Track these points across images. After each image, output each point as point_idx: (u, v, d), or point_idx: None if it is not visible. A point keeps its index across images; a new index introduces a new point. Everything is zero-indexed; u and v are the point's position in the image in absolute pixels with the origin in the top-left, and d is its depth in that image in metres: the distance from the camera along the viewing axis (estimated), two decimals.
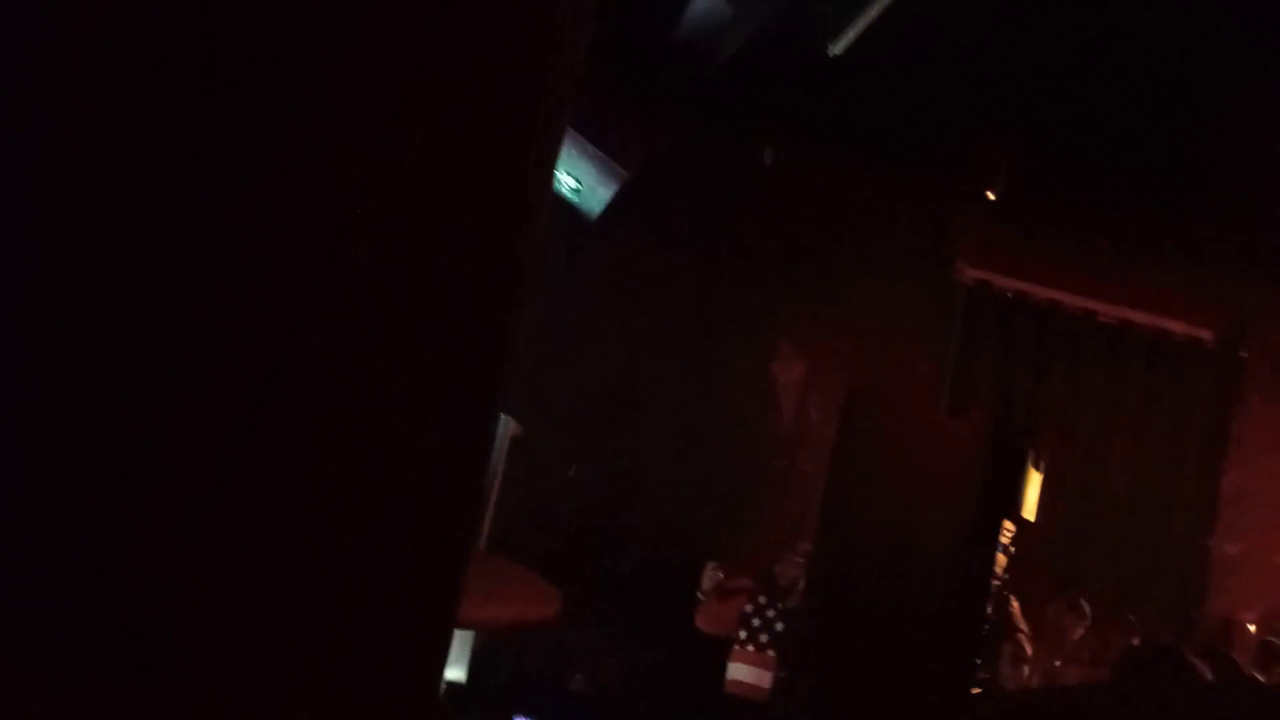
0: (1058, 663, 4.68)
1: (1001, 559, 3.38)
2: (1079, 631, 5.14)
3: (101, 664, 1.03)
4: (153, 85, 1.23)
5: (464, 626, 2.32)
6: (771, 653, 4.71)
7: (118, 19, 1.19)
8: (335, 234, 1.29)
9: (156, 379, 1.21)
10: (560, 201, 6.08)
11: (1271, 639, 5.31)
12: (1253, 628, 5.51)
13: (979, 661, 3.32)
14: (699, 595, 5.19)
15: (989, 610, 3.35)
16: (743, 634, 4.86)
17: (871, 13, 5.08)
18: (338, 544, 1.40)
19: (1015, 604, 4.22)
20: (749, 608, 4.88)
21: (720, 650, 4.95)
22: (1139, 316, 6.43)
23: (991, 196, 6.27)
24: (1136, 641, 5.09)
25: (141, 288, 1.20)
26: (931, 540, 3.33)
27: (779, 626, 4.80)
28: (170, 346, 1.20)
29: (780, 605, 4.84)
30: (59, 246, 1.18)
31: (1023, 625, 4.62)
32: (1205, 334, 6.48)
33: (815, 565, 3.62)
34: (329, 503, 1.40)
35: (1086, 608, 5.17)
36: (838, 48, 5.38)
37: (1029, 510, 3.51)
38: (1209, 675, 3.43)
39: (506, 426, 5.96)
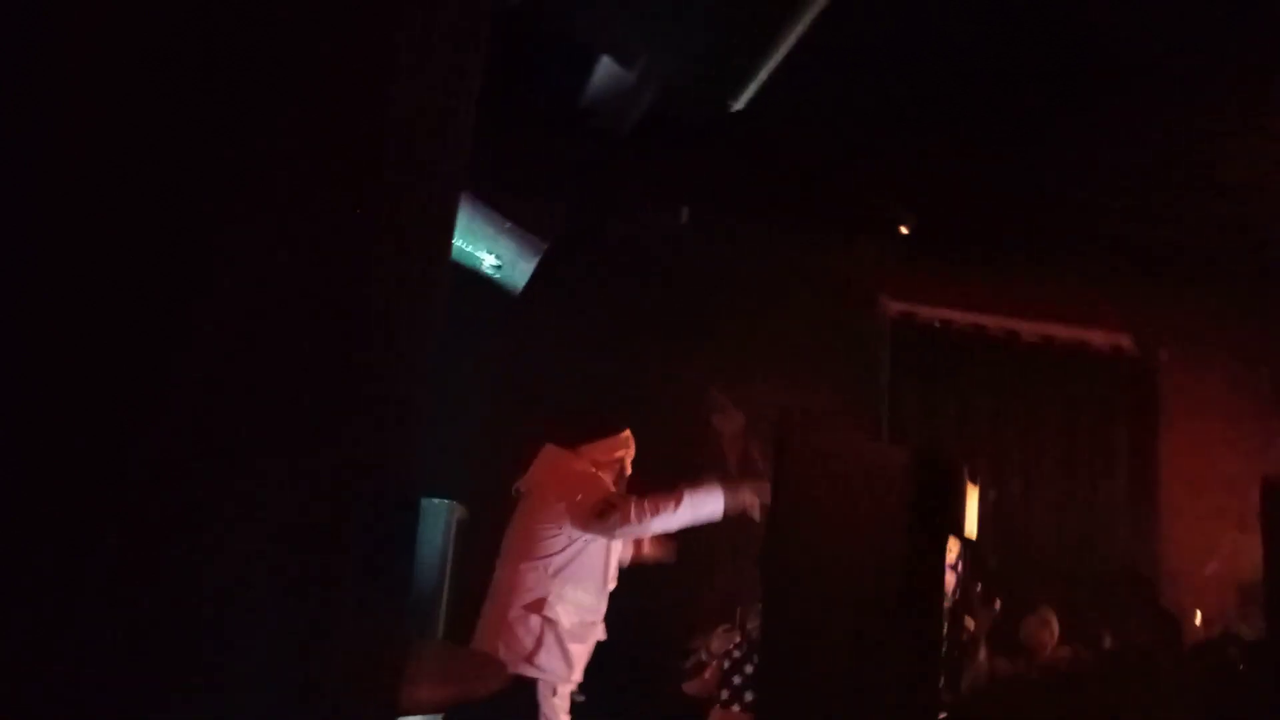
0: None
1: (950, 578, 3.40)
2: (1051, 646, 5.17)
3: None
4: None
5: (409, 711, 2.27)
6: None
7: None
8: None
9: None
10: (485, 280, 6.10)
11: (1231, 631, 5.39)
12: (1198, 623, 5.59)
13: (942, 683, 3.32)
14: (698, 659, 5.14)
15: (945, 630, 3.35)
16: (724, 694, 4.85)
17: (769, 65, 5.23)
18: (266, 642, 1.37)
19: (970, 622, 4.25)
20: (727, 665, 4.90)
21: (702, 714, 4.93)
22: (1059, 330, 6.62)
23: (904, 230, 6.44)
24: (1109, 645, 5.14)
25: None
26: (876, 566, 3.34)
27: None
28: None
29: (758, 661, 4.82)
30: None
31: (982, 643, 4.65)
32: (1124, 340, 6.68)
33: (767, 606, 3.60)
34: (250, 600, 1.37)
35: (1055, 623, 5.22)
36: (739, 102, 5.52)
37: (970, 527, 3.54)
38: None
39: (452, 511, 5.89)
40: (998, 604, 4.70)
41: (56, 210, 1.15)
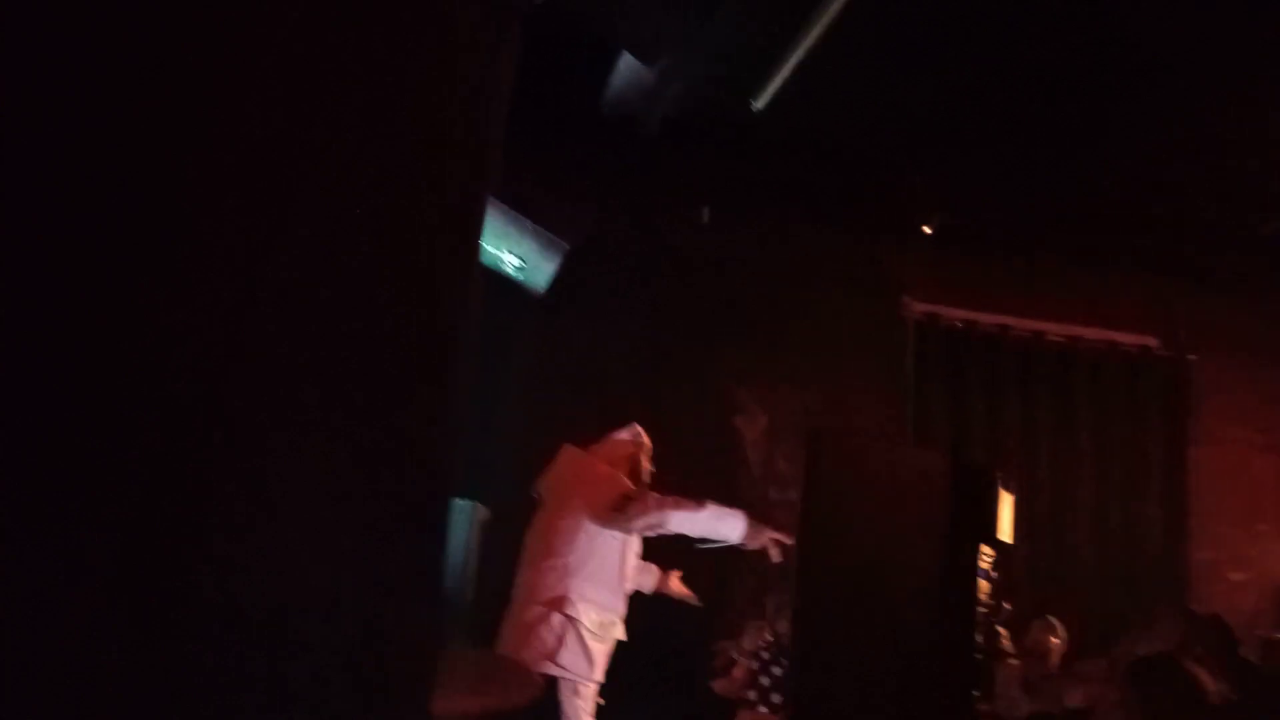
0: (1063, 685, 4.65)
1: (984, 584, 3.35)
2: (1059, 652, 5.14)
3: None
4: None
5: None
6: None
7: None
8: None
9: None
10: (507, 281, 6.08)
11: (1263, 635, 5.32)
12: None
13: (976, 693, 3.27)
14: (726, 658, 5.12)
15: (979, 638, 3.31)
16: (752, 694, 4.85)
17: (790, 64, 5.19)
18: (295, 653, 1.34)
19: (1003, 630, 4.20)
20: (755, 665, 4.89)
21: (732, 713, 4.91)
22: (1086, 331, 6.54)
23: (927, 230, 6.38)
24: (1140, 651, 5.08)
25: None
26: (911, 574, 3.29)
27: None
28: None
29: (785, 661, 4.80)
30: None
31: (1011, 650, 4.60)
32: (1152, 341, 6.60)
33: (797, 613, 3.56)
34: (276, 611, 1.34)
35: (1062, 628, 5.18)
36: (761, 102, 5.48)
37: (1005, 532, 3.49)
38: (1209, 680, 3.41)
39: (475, 512, 5.87)
40: (1008, 607, 4.65)
41: (67, 209, 1.12)
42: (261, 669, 1.11)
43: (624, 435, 4.16)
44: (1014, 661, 4.73)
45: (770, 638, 4.95)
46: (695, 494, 3.93)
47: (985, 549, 3.33)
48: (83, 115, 1.05)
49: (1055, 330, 6.54)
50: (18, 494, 0.98)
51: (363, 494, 1.36)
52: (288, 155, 1.31)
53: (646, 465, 4.15)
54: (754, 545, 3.95)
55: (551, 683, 3.81)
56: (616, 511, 3.83)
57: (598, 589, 3.90)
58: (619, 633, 3.99)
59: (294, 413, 1.24)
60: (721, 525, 3.90)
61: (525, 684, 3.10)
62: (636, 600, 4.12)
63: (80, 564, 0.96)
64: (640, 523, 3.85)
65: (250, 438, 1.17)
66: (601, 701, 3.95)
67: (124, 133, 1.09)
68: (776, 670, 4.84)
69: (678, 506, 3.82)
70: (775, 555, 3.94)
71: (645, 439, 4.18)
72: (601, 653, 3.91)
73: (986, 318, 6.52)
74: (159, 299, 1.14)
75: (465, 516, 5.79)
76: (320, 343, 1.32)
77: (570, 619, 3.83)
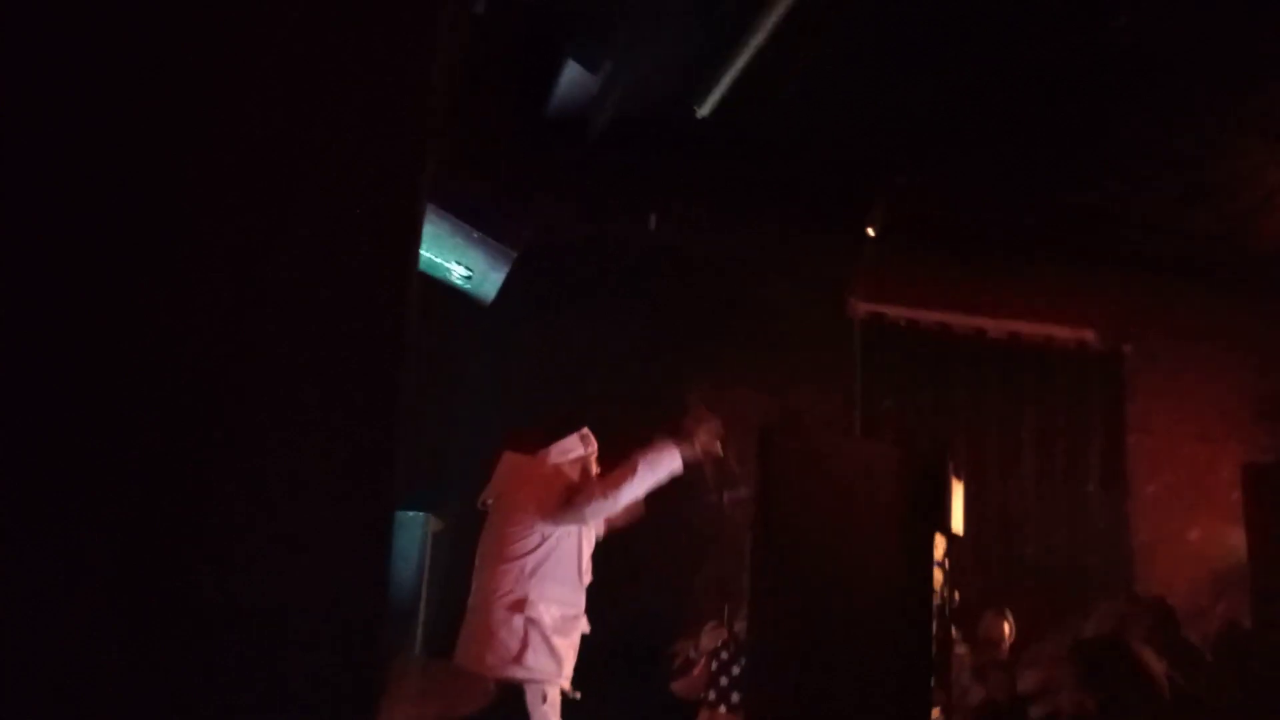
0: (1015, 671, 4.75)
1: (938, 575, 3.42)
2: (1009, 642, 5.25)
3: None
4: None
5: None
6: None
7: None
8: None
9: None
10: (454, 291, 6.04)
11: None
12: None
13: (933, 683, 3.33)
14: (685, 658, 5.13)
15: (935, 629, 3.37)
16: (711, 695, 4.87)
17: (733, 72, 5.24)
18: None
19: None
20: (714, 665, 4.91)
21: (691, 713, 4.94)
22: (1025, 327, 6.70)
23: (871, 232, 6.49)
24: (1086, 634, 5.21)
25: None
26: (867, 566, 3.34)
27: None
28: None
29: (743, 661, 4.80)
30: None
31: (958, 639, 4.68)
32: (1089, 335, 6.77)
33: (754, 609, 3.59)
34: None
35: (1011, 618, 5.29)
36: (706, 109, 5.52)
37: (956, 521, 3.56)
38: (1154, 660, 3.51)
39: (427, 524, 5.82)
40: (956, 596, 4.74)
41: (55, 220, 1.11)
42: (260, 669, 1.11)
43: (573, 440, 4.17)
44: (961, 650, 4.81)
45: (727, 637, 4.97)
46: (621, 458, 3.96)
47: (938, 539, 3.39)
48: (83, 115, 1.04)
49: (995, 327, 6.70)
50: (18, 494, 0.97)
51: (362, 494, 1.36)
52: (288, 155, 1.32)
53: (595, 469, 4.16)
54: (697, 458, 4.03)
55: (516, 690, 3.79)
56: (566, 506, 3.87)
57: (557, 586, 3.90)
58: (583, 626, 3.99)
59: (294, 413, 1.24)
60: (661, 470, 3.97)
61: (472, 691, 3.08)
62: (600, 595, 4.12)
63: (80, 564, 0.96)
64: (591, 509, 3.89)
65: (250, 438, 1.17)
66: (577, 695, 3.94)
67: (124, 133, 1.09)
68: (735, 670, 4.85)
69: (620, 480, 3.88)
70: (718, 449, 4.04)
71: (593, 443, 4.20)
72: (567, 647, 3.90)
73: (929, 316, 6.65)
74: (159, 299, 1.14)
75: (417, 529, 5.74)
76: (320, 343, 1.32)
77: (531, 620, 3.82)
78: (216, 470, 1.16)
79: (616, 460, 4.08)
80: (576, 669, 4.00)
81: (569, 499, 3.88)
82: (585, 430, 4.19)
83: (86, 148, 1.08)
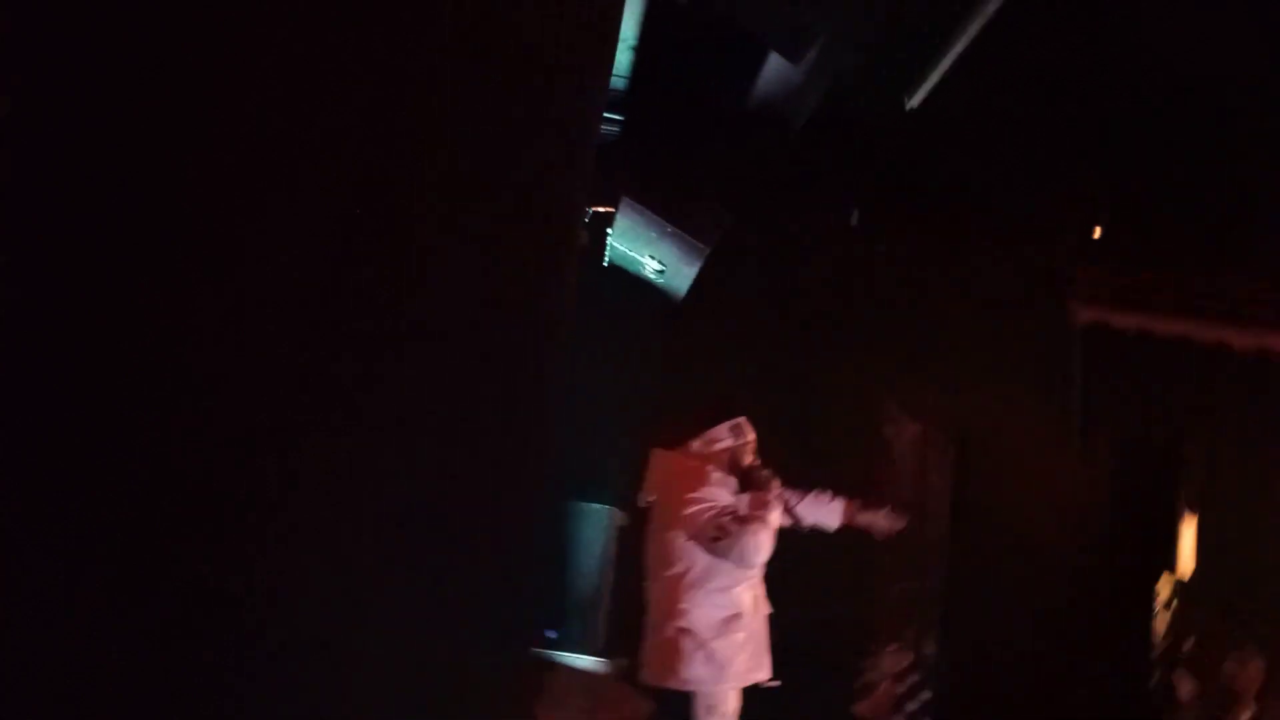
0: None
1: (1163, 619, 3.03)
2: (1255, 691, 4.66)
3: None
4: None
5: None
6: None
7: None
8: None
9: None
10: (648, 285, 6.03)
11: None
12: None
13: None
14: (869, 680, 4.92)
15: (1154, 681, 3.00)
16: (898, 719, 4.63)
17: (945, 62, 4.96)
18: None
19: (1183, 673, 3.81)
20: (900, 689, 4.66)
21: None
22: (1277, 341, 5.96)
23: (1096, 234, 5.98)
24: None
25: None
26: (1074, 598, 3.02)
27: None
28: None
29: (933, 684, 4.63)
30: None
31: (1193, 691, 4.17)
32: None
33: (946, 636, 3.33)
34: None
35: (1260, 664, 4.69)
36: (914, 100, 5.26)
37: (1185, 562, 3.16)
38: None
39: (611, 517, 5.84)
40: (1191, 641, 4.24)
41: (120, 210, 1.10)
42: (261, 669, 1.08)
43: (721, 430, 4.02)
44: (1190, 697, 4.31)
45: (914, 660, 4.72)
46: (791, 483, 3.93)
47: (1164, 579, 3.02)
48: (83, 115, 1.04)
49: (1241, 341, 5.99)
50: (18, 494, 0.97)
51: (371, 498, 1.32)
52: (288, 155, 1.31)
53: (749, 460, 3.99)
54: (861, 526, 3.97)
55: (682, 699, 3.72)
56: (712, 542, 3.76)
57: (712, 593, 3.78)
58: (749, 621, 3.82)
59: (294, 413, 1.22)
60: (813, 518, 3.97)
61: (633, 708, 3.01)
62: (783, 612, 3.98)
63: (80, 564, 0.95)
64: (735, 554, 3.75)
65: (250, 437, 1.14)
66: (776, 684, 3.83)
67: (124, 133, 1.09)
68: (925, 696, 4.62)
69: (756, 531, 3.74)
70: (882, 529, 3.96)
71: (749, 434, 4.03)
72: (728, 647, 3.76)
73: (1164, 326, 6.03)
74: (159, 299, 1.14)
75: (602, 521, 5.76)
76: (321, 342, 1.30)
77: (684, 630, 3.74)
78: (223, 468, 1.13)
79: (797, 470, 3.98)
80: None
81: (716, 537, 3.75)
82: (741, 420, 4.04)
83: (98, 146, 1.07)
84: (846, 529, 4.00)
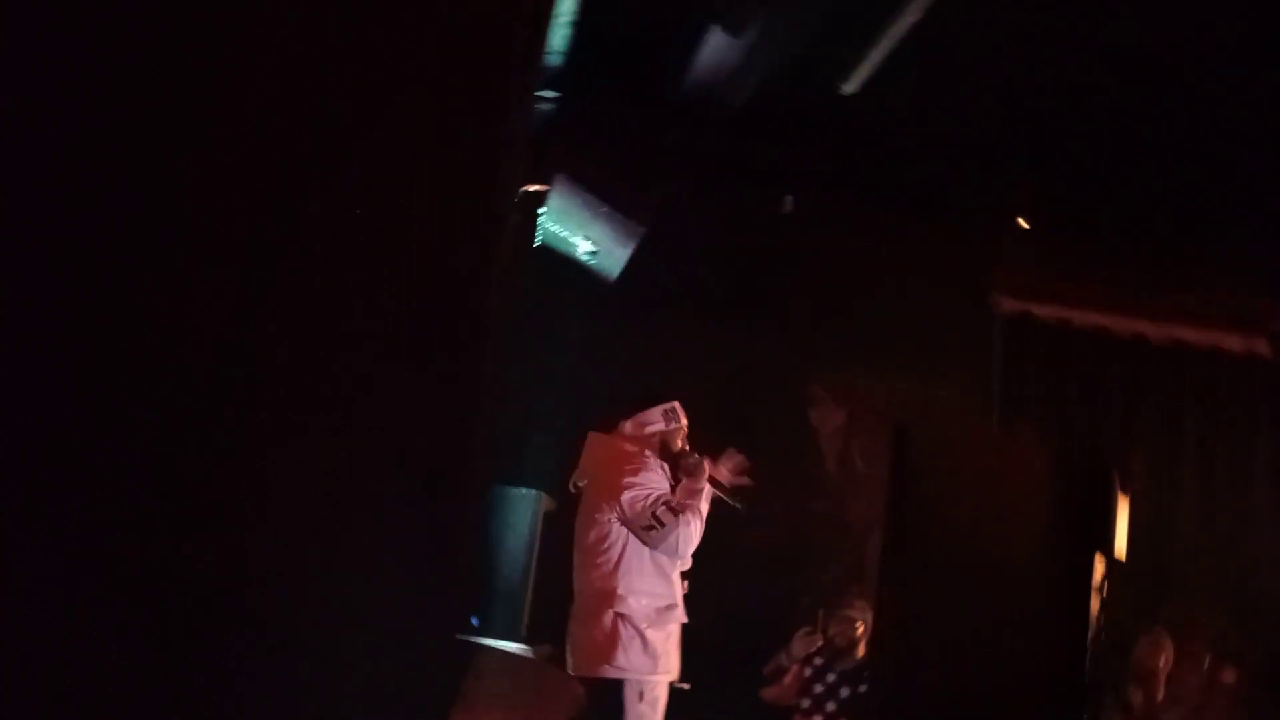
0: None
1: (1094, 602, 3.08)
2: (1166, 671, 4.80)
3: None
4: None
5: None
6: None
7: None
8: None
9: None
10: (578, 266, 5.94)
11: None
12: None
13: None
14: (776, 666, 4.94)
15: (1088, 663, 3.04)
16: (805, 703, 4.70)
17: (883, 48, 4.97)
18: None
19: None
20: (808, 673, 4.73)
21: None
22: (1191, 335, 6.15)
23: (1024, 225, 6.09)
24: (1229, 678, 4.76)
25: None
26: (1010, 580, 3.03)
27: (844, 692, 4.63)
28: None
29: (839, 669, 4.70)
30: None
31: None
32: (1262, 346, 6.19)
33: (881, 622, 3.32)
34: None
35: (1170, 645, 4.85)
36: (851, 86, 5.26)
37: (1120, 543, 3.21)
38: None
39: (538, 502, 5.74)
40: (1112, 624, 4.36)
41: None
42: (264, 669, 1.03)
43: (654, 414, 4.02)
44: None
45: (822, 643, 4.78)
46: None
47: (1097, 561, 3.06)
48: (83, 115, 1.01)
49: (1158, 332, 6.17)
50: (18, 494, 0.94)
51: (369, 494, 1.28)
52: (289, 155, 1.28)
53: (678, 445, 4.00)
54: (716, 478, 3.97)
55: (613, 687, 3.67)
56: (645, 530, 3.79)
57: (647, 578, 3.79)
58: (679, 616, 3.85)
59: (295, 413, 1.19)
60: (698, 497, 3.91)
61: (561, 697, 2.95)
62: (693, 602, 3.96)
63: (80, 564, 0.91)
64: (668, 545, 3.78)
65: (251, 437, 1.10)
66: (686, 686, 3.81)
67: (124, 133, 1.06)
68: (830, 678, 4.69)
69: (691, 512, 3.82)
70: (723, 477, 3.98)
71: (682, 419, 4.03)
72: (661, 639, 3.76)
73: (1083, 317, 6.17)
74: (160, 299, 1.12)
75: (529, 506, 5.65)
76: (322, 342, 1.26)
77: (621, 615, 3.71)
78: (223, 468, 1.10)
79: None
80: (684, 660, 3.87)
81: (649, 526, 3.78)
82: (673, 405, 4.05)
83: (98, 146, 1.03)
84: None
